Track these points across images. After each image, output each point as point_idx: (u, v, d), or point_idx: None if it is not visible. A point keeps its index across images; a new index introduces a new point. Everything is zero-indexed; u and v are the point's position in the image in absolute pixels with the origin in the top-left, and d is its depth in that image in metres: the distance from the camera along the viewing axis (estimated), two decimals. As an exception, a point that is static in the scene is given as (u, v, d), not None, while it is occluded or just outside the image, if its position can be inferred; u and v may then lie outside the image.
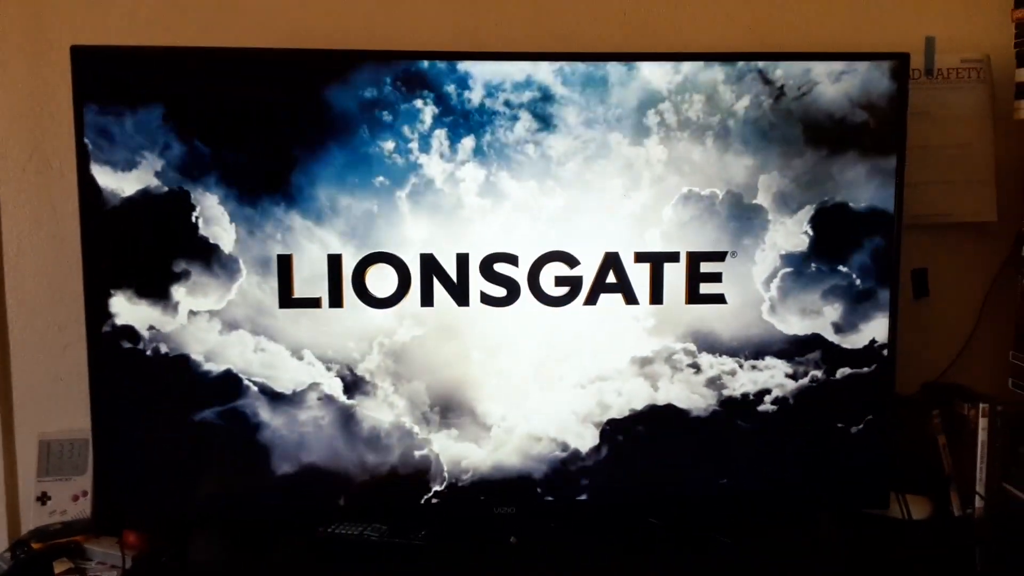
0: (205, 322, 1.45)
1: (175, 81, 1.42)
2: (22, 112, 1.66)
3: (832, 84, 1.49)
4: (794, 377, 1.54)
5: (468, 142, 1.45)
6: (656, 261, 1.50)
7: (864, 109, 1.50)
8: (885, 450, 1.55)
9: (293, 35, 1.64)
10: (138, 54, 1.44)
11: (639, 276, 1.50)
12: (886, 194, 1.51)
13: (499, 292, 1.49)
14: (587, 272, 1.49)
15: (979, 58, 1.74)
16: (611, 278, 1.50)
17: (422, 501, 1.52)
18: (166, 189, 1.42)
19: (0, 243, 1.68)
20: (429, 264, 1.47)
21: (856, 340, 1.54)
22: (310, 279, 1.46)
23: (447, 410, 1.51)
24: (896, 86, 1.49)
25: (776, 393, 1.54)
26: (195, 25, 1.64)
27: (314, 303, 1.46)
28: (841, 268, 1.53)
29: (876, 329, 1.54)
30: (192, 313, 1.45)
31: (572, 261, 1.49)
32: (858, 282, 1.53)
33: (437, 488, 1.52)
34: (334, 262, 1.46)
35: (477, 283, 1.48)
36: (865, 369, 1.54)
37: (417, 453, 1.51)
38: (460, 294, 1.48)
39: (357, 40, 1.57)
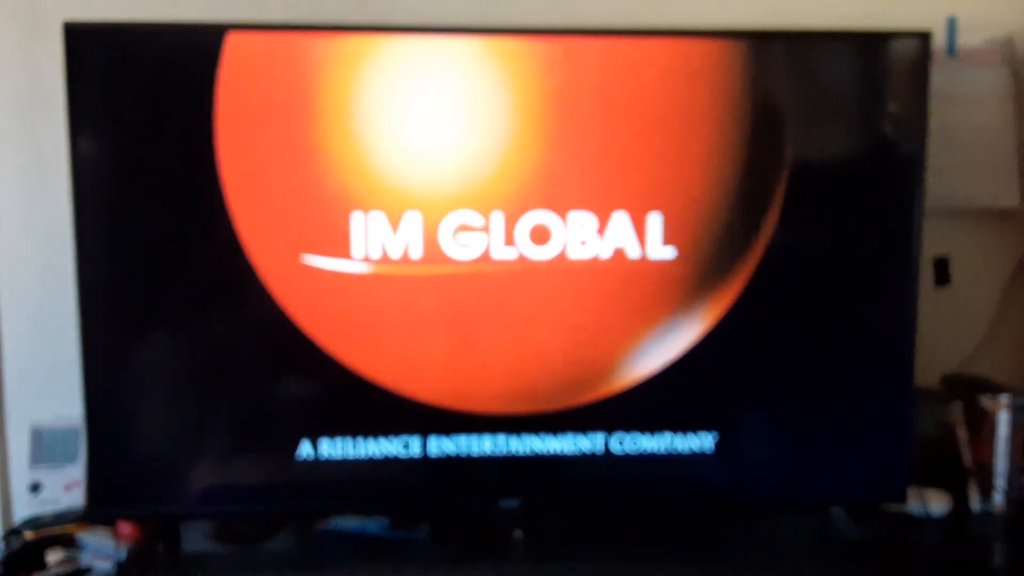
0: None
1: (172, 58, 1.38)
2: (11, 91, 1.62)
3: (851, 63, 1.45)
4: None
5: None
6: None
7: (884, 90, 1.45)
8: (904, 443, 1.50)
9: (290, 10, 1.60)
10: (133, 31, 1.40)
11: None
12: (907, 178, 1.45)
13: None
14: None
15: (1003, 38, 1.69)
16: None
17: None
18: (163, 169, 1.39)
19: (-8, 228, 1.65)
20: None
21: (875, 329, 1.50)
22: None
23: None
24: (917, 66, 1.44)
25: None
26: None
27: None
28: (861, 255, 1.48)
29: (895, 318, 1.48)
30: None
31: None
32: (877, 269, 1.48)
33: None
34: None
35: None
36: (884, 359, 1.49)
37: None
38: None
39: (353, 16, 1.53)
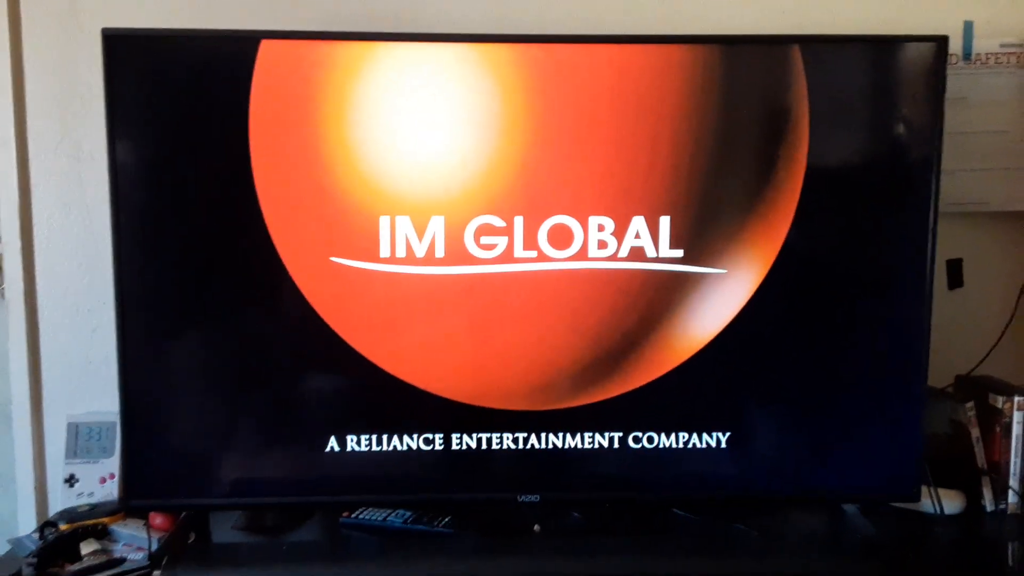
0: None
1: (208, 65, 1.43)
2: (53, 96, 1.67)
3: (868, 68, 1.47)
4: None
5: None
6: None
7: (900, 94, 1.48)
8: (915, 442, 1.52)
9: (323, 18, 1.64)
10: (169, 38, 1.45)
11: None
12: (921, 181, 1.48)
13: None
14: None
15: (1018, 43, 1.71)
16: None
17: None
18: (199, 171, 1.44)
19: (31, 226, 1.70)
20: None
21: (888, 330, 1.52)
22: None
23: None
24: (933, 70, 1.46)
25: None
26: (227, 8, 1.65)
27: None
28: (874, 257, 1.51)
29: (909, 319, 1.51)
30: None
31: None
32: (891, 271, 1.51)
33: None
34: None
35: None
36: (897, 359, 1.51)
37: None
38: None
39: (389, 23, 1.57)
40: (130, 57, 1.41)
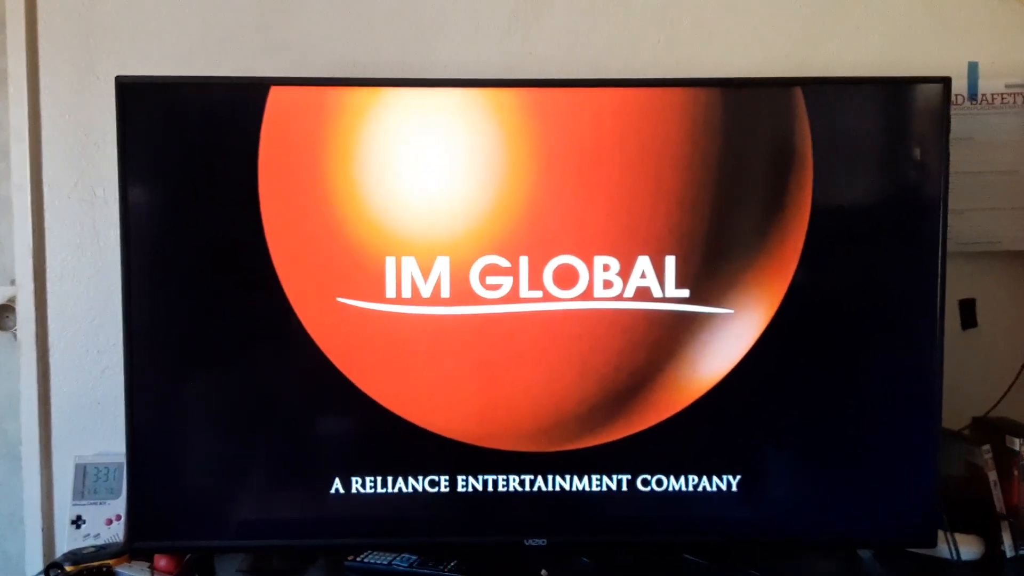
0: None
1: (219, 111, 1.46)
2: (68, 141, 1.71)
3: (873, 109, 1.48)
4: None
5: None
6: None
7: (904, 135, 1.48)
8: (933, 486, 1.50)
9: (331, 65, 1.67)
10: (181, 85, 1.48)
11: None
12: (928, 221, 1.47)
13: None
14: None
15: (1023, 83, 1.71)
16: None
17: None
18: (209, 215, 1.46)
19: (44, 269, 1.72)
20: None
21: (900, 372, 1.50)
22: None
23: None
24: (938, 111, 1.47)
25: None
26: (238, 56, 1.69)
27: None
28: (884, 297, 1.50)
29: (920, 360, 1.49)
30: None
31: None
32: (901, 312, 1.50)
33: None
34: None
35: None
36: (910, 401, 1.49)
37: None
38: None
39: (396, 69, 1.60)
40: (143, 103, 1.44)
